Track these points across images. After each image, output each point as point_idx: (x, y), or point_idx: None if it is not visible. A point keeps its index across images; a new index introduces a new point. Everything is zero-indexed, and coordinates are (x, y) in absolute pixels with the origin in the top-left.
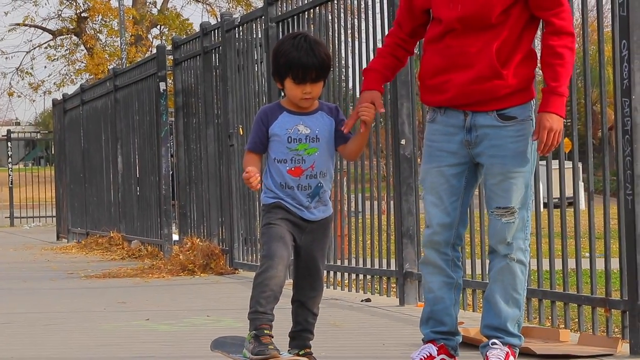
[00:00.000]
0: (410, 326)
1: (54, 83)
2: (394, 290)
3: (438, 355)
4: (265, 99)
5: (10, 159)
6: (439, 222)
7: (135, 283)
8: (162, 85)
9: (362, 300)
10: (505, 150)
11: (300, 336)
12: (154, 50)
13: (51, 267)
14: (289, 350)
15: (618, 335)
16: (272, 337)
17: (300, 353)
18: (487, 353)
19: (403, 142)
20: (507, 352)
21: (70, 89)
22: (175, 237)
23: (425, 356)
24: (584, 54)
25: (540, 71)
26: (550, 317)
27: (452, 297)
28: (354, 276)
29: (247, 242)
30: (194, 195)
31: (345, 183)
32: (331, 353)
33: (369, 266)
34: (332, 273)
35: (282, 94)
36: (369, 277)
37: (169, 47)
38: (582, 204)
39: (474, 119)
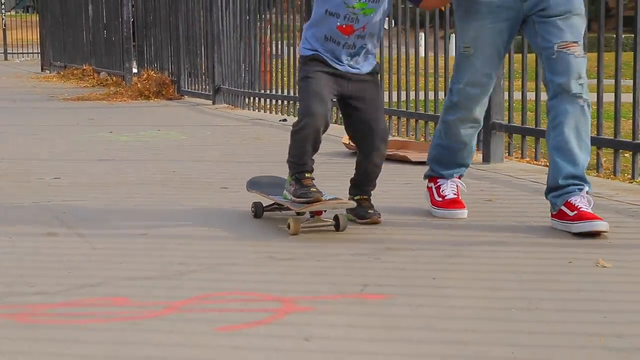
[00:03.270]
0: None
1: None
2: None
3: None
4: None
5: (3, 6)
6: (490, 77)
7: (102, 105)
8: None
9: (279, 120)
10: None
11: (361, 182)
12: None
13: (36, 92)
14: (348, 197)
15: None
16: (314, 179)
17: (356, 198)
18: (572, 200)
19: None
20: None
21: None
22: (135, 70)
23: (456, 190)
24: None
25: None
26: (424, 134)
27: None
28: (274, 102)
29: (191, 74)
30: (150, 37)
31: (269, 30)
32: (254, 159)
33: (285, 93)
34: (256, 99)
35: None
36: (285, 102)
37: None
38: None
39: None
